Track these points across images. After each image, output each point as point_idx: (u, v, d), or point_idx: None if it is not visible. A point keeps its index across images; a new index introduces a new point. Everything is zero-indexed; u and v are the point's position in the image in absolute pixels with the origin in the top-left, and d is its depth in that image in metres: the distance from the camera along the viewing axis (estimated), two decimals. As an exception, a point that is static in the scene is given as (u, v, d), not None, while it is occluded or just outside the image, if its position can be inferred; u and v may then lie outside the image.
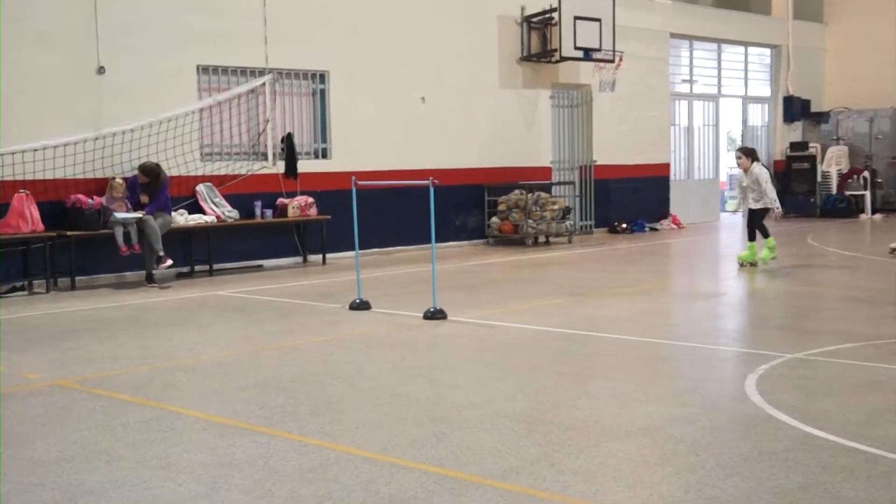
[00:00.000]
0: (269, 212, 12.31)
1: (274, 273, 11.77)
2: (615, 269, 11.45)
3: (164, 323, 7.91)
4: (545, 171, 16.04)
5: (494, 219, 14.98)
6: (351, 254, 12.02)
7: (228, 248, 12.01)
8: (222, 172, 12.11)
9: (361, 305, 8.37)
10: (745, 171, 11.28)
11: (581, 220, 16.83)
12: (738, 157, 11.39)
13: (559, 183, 16.05)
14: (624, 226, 17.02)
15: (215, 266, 11.74)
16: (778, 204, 11.19)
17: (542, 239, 15.20)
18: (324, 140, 13.28)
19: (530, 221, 14.61)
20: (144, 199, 10.64)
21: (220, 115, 12.13)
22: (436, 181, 7.80)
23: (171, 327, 7.65)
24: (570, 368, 5.84)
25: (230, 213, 11.87)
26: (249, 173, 12.35)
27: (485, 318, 7.82)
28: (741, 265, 11.25)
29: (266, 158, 12.55)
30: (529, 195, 14.73)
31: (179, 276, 11.38)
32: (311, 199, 12.61)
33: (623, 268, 11.63)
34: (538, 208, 14.76)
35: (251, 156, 12.48)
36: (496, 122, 15.21)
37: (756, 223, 11.29)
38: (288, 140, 12.65)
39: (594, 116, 16.84)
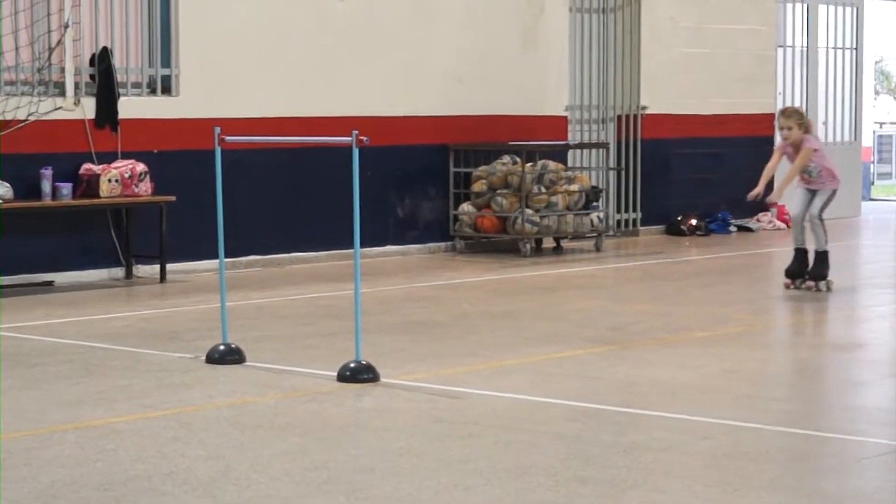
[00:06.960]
0: (66, 187, 12.28)
1: (74, 296, 11.80)
2: (678, 299, 11.49)
3: None
4: (556, 125, 16.05)
5: (466, 206, 15.02)
6: (213, 264, 11.95)
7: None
8: (-17, 117, 12.06)
9: (228, 356, 8.48)
10: None
11: (620, 211, 16.90)
12: None
13: (581, 146, 16.05)
14: (694, 222, 17.13)
15: (-32, 284, 11.63)
16: None
17: (549, 243, 15.20)
18: (166, 63, 13.31)
19: (529, 212, 14.59)
20: None
21: (-21, 14, 12.05)
22: (364, 139, 7.88)
23: None
24: (595, 473, 5.88)
25: (-5, 190, 11.82)
26: (31, 119, 12.29)
27: (446, 382, 7.84)
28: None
29: (62, 93, 12.55)
30: (529, 166, 14.73)
31: None
32: (140, 167, 12.62)
33: (692, 296, 11.65)
34: (543, 189, 14.77)
35: (35, 88, 12.45)
36: (470, 39, 15.20)
37: None
38: (102, 61, 12.68)
39: (644, 28, 16.89)
